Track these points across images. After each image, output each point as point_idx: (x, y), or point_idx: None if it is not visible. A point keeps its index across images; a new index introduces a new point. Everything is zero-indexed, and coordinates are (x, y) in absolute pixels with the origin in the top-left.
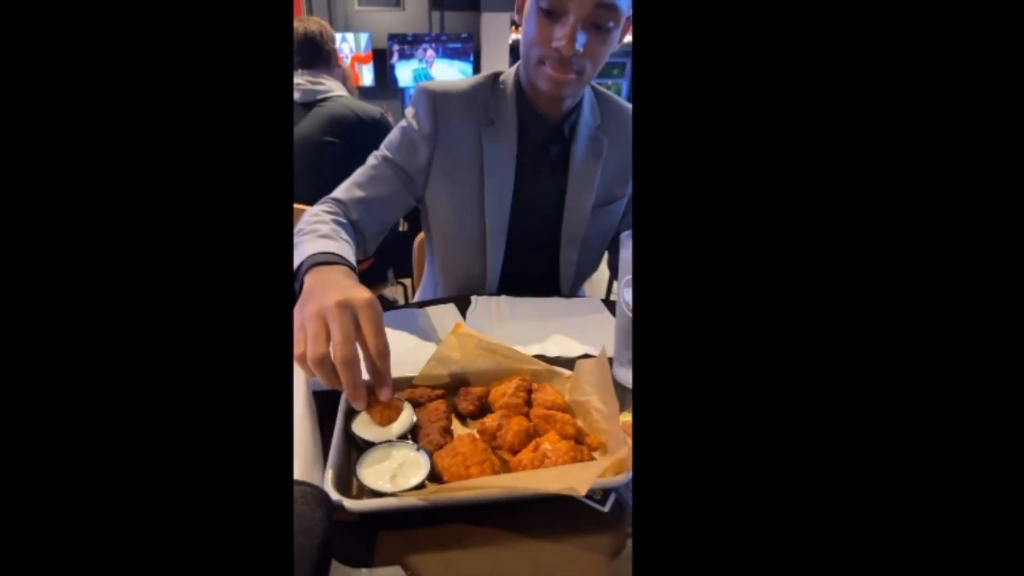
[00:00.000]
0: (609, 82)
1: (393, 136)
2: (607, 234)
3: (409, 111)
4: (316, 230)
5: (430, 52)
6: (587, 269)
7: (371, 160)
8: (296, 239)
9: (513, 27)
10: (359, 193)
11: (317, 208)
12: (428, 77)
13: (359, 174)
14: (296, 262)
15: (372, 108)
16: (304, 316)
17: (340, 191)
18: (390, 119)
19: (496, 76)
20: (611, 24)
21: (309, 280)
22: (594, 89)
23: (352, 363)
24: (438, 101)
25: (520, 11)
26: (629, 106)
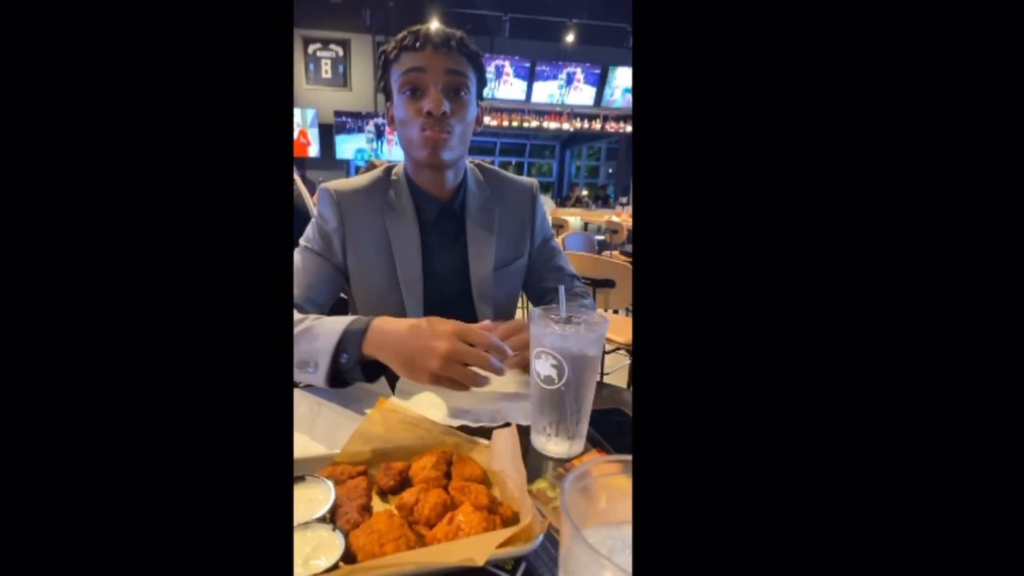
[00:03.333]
0: (541, 162)
1: (310, 231)
2: (512, 291)
3: (315, 211)
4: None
5: (371, 128)
6: None
7: (296, 255)
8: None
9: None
10: (295, 288)
11: None
12: (374, 154)
13: None
14: (317, 352)
15: None
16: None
17: None
18: (300, 190)
19: (390, 169)
20: (464, 91)
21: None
22: (479, 167)
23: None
24: (340, 198)
25: (391, 122)
26: (515, 178)
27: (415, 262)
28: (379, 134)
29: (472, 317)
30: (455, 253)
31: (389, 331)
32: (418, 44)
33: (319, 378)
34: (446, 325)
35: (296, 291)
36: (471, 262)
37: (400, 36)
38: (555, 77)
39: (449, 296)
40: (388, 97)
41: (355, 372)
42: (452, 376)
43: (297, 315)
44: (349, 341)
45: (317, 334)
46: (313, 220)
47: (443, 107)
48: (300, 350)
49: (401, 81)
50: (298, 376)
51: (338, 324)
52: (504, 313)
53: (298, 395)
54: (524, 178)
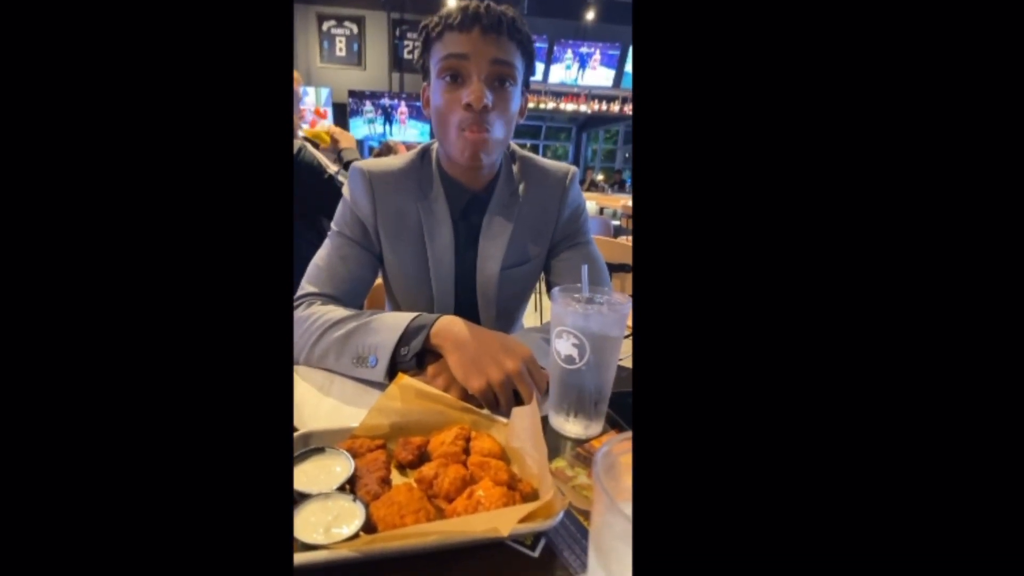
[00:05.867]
0: (557, 145)
1: (342, 212)
2: (519, 293)
3: (346, 190)
4: (346, 317)
5: (383, 110)
6: (507, 327)
7: (328, 242)
8: (325, 341)
9: None
10: (330, 278)
11: (307, 311)
12: (381, 137)
13: (322, 259)
14: (377, 351)
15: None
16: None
17: (313, 283)
18: (313, 153)
19: (425, 151)
20: (509, 82)
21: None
22: (516, 154)
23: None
24: (373, 180)
25: (427, 104)
26: (551, 166)
27: (448, 258)
28: (387, 117)
29: (475, 318)
30: (473, 250)
31: (462, 325)
32: (465, 24)
33: (379, 372)
34: (522, 348)
35: (335, 282)
36: (479, 261)
37: (444, 12)
38: (572, 57)
39: (470, 296)
40: (425, 77)
41: (410, 364)
42: (503, 394)
43: (344, 311)
44: (412, 335)
45: (376, 328)
46: (345, 202)
47: (484, 100)
48: (356, 344)
49: (441, 66)
50: (354, 371)
51: (399, 320)
52: (507, 316)
53: (310, 369)
54: (562, 165)
